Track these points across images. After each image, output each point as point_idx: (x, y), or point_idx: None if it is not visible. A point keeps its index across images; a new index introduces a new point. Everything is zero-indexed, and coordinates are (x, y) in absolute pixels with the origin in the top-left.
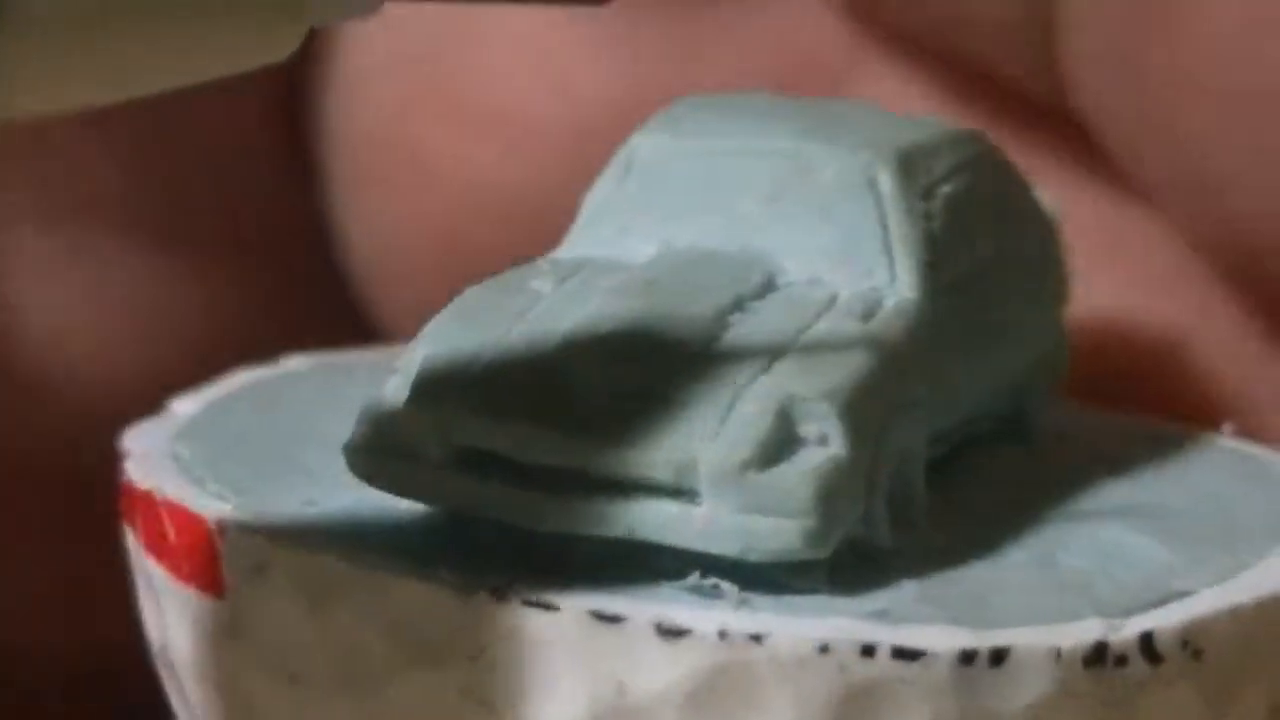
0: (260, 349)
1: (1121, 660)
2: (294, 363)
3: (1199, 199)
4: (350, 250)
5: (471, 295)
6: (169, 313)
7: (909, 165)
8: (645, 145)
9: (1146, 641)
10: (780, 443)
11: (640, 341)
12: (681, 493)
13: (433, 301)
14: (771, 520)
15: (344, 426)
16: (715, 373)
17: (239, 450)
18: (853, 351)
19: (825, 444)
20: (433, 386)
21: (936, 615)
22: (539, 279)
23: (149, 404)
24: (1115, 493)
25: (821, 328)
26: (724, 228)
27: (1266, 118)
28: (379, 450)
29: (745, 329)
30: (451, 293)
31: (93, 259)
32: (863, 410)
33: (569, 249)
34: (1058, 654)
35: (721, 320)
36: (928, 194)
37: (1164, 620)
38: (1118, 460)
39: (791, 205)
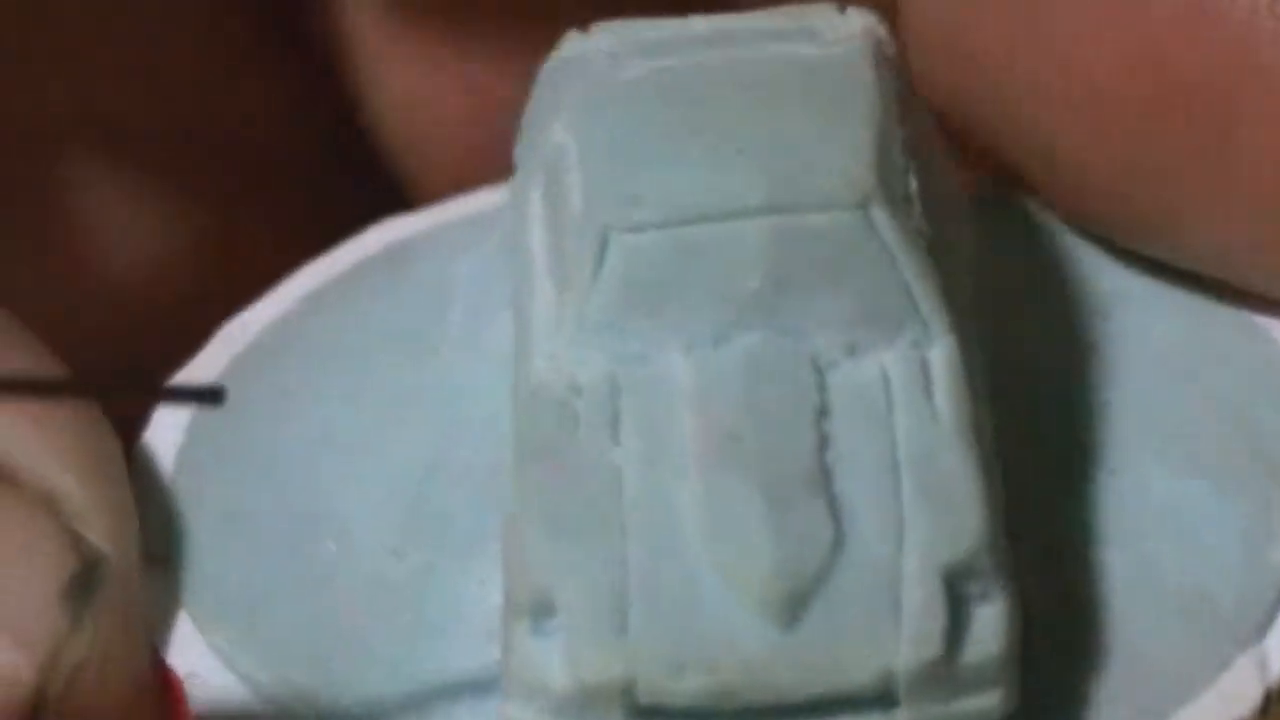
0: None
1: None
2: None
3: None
4: (382, 121)
5: (546, 485)
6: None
7: (889, 182)
8: (617, 233)
9: None
10: (957, 619)
11: (765, 533)
12: (880, 699)
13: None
14: (971, 700)
15: None
16: (854, 546)
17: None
18: (955, 459)
19: (988, 596)
20: (590, 648)
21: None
22: (596, 438)
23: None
24: (1127, 418)
25: (905, 434)
26: (739, 318)
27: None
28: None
29: (844, 469)
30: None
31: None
32: (1001, 545)
33: (573, 352)
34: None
35: (820, 463)
36: (908, 203)
37: None
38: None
39: (800, 275)
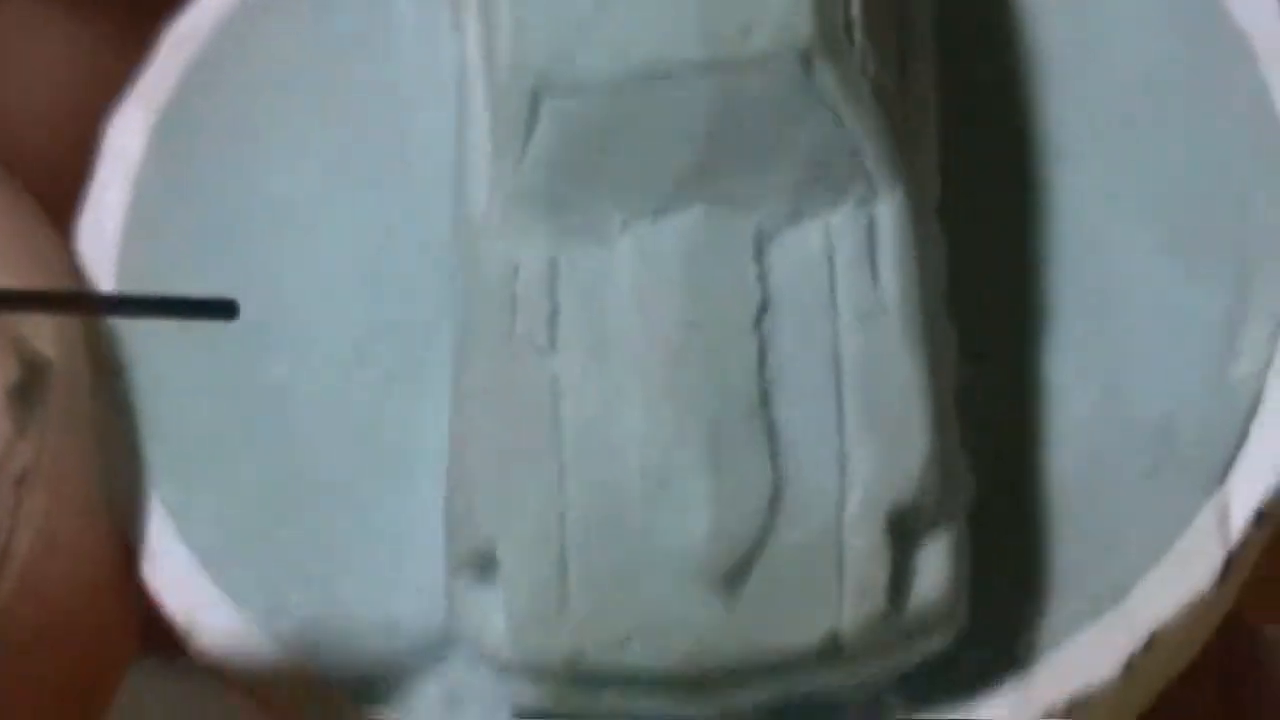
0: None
1: (1242, 549)
2: None
3: None
4: None
5: (487, 408)
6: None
7: (830, 21)
8: (548, 98)
9: (1259, 519)
10: (901, 560)
11: (704, 491)
12: (828, 656)
13: None
14: (918, 644)
15: None
16: (794, 496)
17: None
18: (899, 365)
19: (934, 531)
20: (533, 622)
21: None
22: (535, 337)
23: None
24: (1097, 175)
25: (849, 328)
26: (679, 188)
27: None
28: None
29: (784, 387)
30: None
31: None
32: (948, 459)
33: (511, 223)
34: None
35: (760, 384)
36: (850, 35)
37: (1261, 482)
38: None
39: (741, 140)
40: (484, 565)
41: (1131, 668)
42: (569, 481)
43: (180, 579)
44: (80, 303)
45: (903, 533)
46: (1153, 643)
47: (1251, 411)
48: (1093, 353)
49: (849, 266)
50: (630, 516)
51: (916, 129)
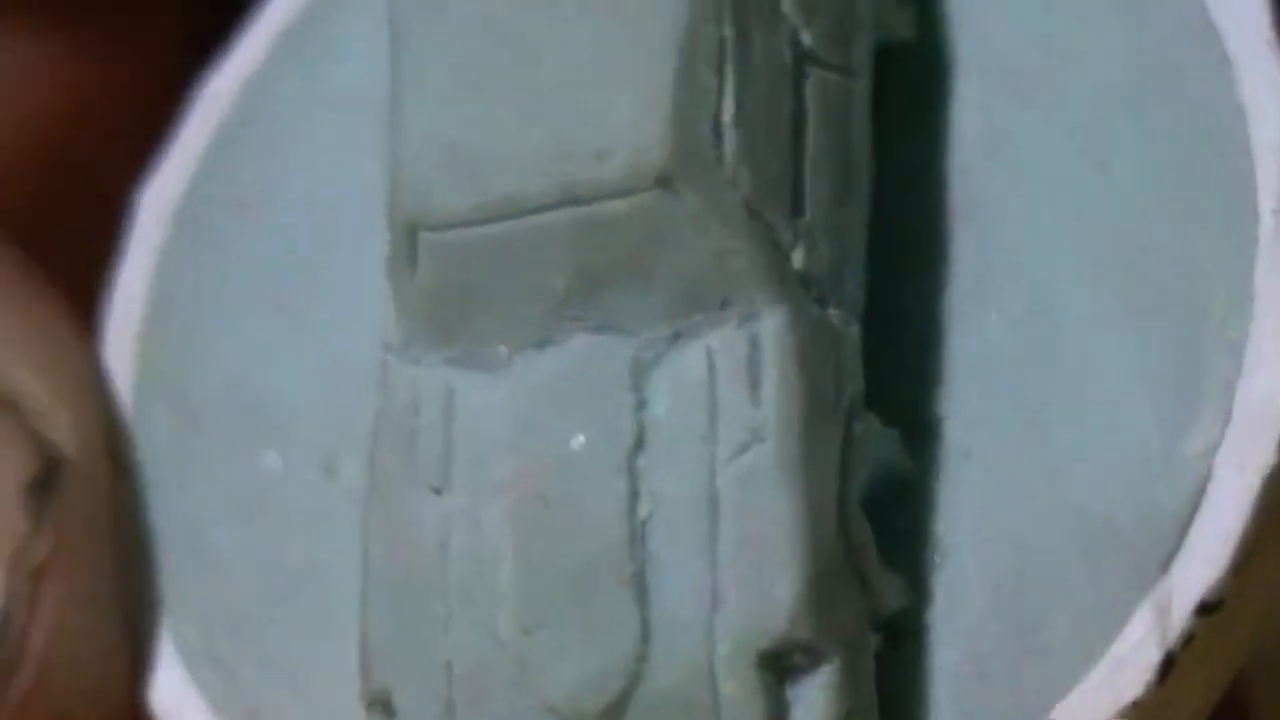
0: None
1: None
2: None
3: None
4: None
5: (388, 550)
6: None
7: (693, 135)
8: (424, 231)
9: (1204, 609)
10: (778, 700)
11: (572, 641)
12: None
13: None
14: None
15: None
16: (663, 641)
17: None
18: (776, 494)
19: (814, 667)
20: None
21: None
22: (431, 475)
23: None
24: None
25: (726, 456)
26: (556, 318)
27: None
28: None
29: (657, 523)
30: None
31: None
32: (833, 592)
33: (409, 350)
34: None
35: (630, 525)
36: (718, 142)
37: (1207, 568)
38: None
39: (609, 268)
40: (385, 708)
41: None
42: (454, 628)
43: (167, 684)
44: None
45: (780, 670)
46: None
47: (1199, 494)
48: (1032, 436)
49: (729, 390)
50: (506, 666)
51: (823, 225)
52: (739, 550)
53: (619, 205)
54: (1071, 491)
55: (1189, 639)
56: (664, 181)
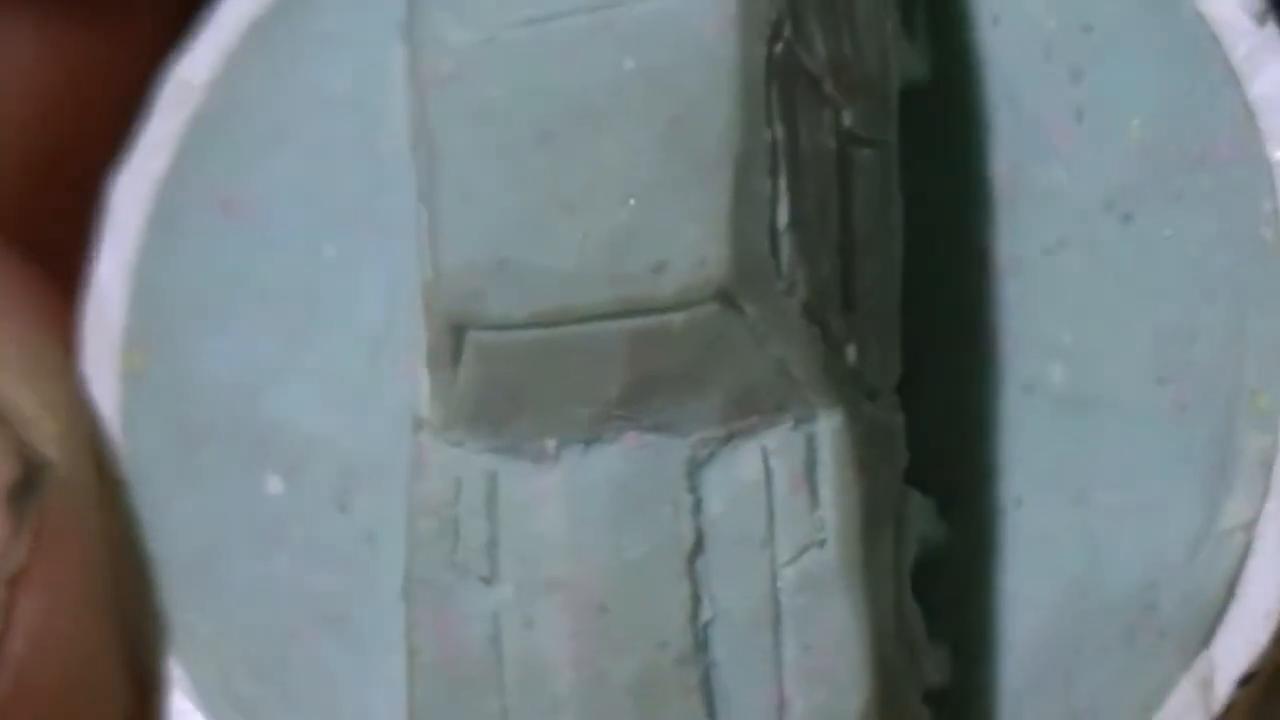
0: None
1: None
2: None
3: None
4: None
5: (434, 652)
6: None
7: (750, 248)
8: (471, 330)
9: (1245, 681)
10: None
11: None
12: None
13: None
14: None
15: None
16: None
17: None
18: (838, 603)
19: None
20: None
21: None
22: (475, 568)
23: None
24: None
25: (786, 561)
26: (607, 420)
27: None
28: None
29: (719, 631)
30: None
31: None
32: (896, 693)
33: (451, 436)
34: None
35: (693, 631)
36: (777, 264)
37: (1249, 645)
38: None
39: (664, 377)
40: None
41: None
42: None
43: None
44: None
45: None
46: None
47: (1239, 566)
48: (1071, 511)
49: (786, 492)
50: None
51: (867, 309)
52: (803, 657)
53: (677, 318)
54: (1112, 564)
55: (1228, 708)
56: (723, 296)
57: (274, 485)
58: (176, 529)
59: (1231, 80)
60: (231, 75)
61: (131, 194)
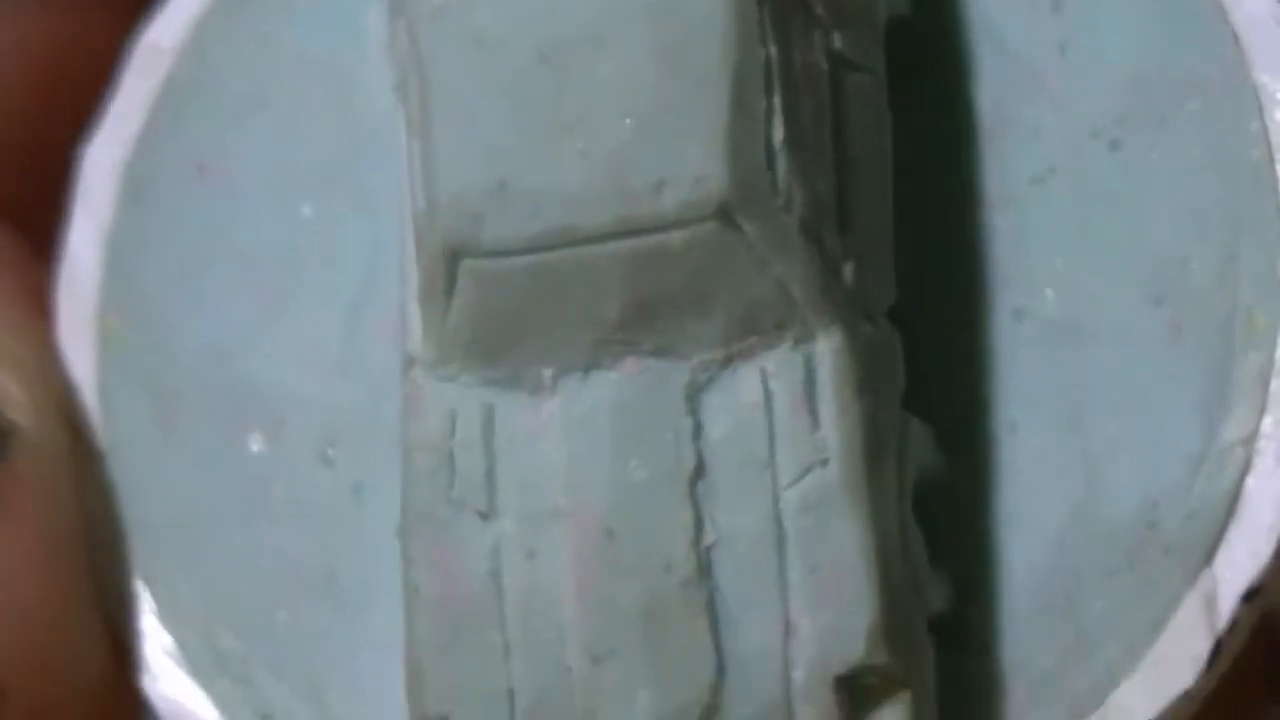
0: None
1: (1230, 632)
2: None
3: None
4: None
5: (433, 584)
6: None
7: (747, 164)
8: (466, 258)
9: (1249, 596)
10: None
11: (645, 675)
12: None
13: None
14: None
15: None
16: (738, 672)
17: None
18: (842, 521)
19: (887, 688)
20: None
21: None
22: (473, 503)
23: None
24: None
25: (789, 482)
26: (606, 344)
27: None
28: None
29: (723, 554)
30: None
31: None
32: (902, 612)
33: (444, 370)
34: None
35: (698, 555)
36: (771, 167)
37: (1251, 558)
38: None
39: (663, 297)
40: None
41: None
42: (515, 658)
43: (170, 685)
44: None
45: (855, 693)
46: None
47: (1239, 483)
48: (1068, 435)
49: (787, 414)
50: (574, 697)
51: (862, 231)
52: (809, 578)
53: (677, 236)
54: (1112, 487)
55: (1232, 626)
56: (722, 213)
57: (255, 444)
58: (158, 493)
59: (1215, 4)
60: (202, 39)
61: (104, 160)
